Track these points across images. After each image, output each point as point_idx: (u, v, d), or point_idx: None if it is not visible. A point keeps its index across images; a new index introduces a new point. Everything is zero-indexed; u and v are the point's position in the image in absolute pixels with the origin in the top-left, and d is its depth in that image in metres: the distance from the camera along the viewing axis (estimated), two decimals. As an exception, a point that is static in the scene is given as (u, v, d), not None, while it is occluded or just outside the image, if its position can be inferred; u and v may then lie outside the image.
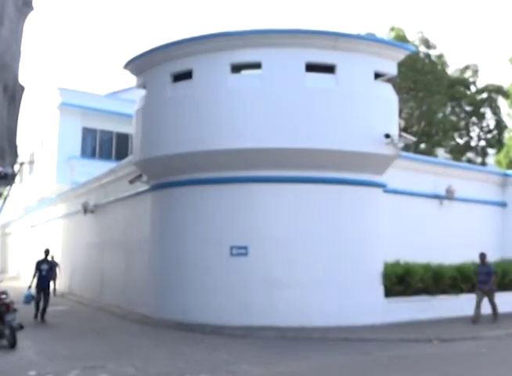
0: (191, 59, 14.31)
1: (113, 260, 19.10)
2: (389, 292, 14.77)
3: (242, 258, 13.70)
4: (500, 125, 37.19)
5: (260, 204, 13.96)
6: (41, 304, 15.27)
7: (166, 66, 14.79)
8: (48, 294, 15.52)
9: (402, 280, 15.08)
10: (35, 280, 15.54)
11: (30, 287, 15.45)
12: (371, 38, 16.50)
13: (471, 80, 37.18)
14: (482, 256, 15.68)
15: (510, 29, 75.61)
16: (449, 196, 17.73)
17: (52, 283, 16.86)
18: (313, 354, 10.71)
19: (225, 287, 13.70)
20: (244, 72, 14.65)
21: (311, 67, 13.82)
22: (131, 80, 15.61)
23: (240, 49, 13.89)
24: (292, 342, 11.85)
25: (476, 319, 14.88)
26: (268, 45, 13.77)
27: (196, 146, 13.87)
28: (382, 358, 10.56)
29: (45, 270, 15.56)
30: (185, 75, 14.45)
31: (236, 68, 14.19)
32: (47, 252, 16.47)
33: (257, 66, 13.95)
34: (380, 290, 14.60)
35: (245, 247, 13.76)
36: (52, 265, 16.76)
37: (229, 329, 12.87)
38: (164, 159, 14.64)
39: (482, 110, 36.61)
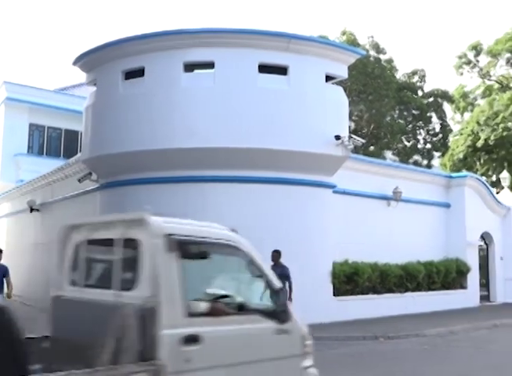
0: (143, 56, 14.15)
1: (61, 260, 18.62)
2: (338, 291, 15.06)
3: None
4: (445, 129, 38.49)
5: (212, 203, 13.95)
6: None
7: (117, 63, 14.57)
8: None
9: (350, 279, 15.41)
10: None
11: None
12: (323, 41, 16.76)
13: (419, 85, 38.32)
14: (275, 254, 11.67)
15: (456, 36, 78.30)
16: (396, 197, 18.22)
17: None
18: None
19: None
20: (197, 71, 14.62)
21: (264, 68, 13.93)
22: (82, 76, 15.31)
23: (193, 48, 13.84)
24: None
25: None
26: (222, 44, 13.79)
27: (148, 145, 13.73)
28: (330, 356, 10.74)
29: None
30: (137, 73, 14.28)
31: (189, 67, 14.13)
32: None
33: (210, 65, 13.94)
34: (329, 289, 14.86)
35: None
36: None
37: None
38: (114, 157, 14.42)
39: (429, 114, 37.78)
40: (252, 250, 4.93)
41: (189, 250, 4.37)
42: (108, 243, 4.73)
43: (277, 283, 4.99)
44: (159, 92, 13.88)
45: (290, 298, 10.89)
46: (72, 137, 29.77)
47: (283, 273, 11.01)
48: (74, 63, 15.58)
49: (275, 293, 4.88)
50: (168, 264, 4.19)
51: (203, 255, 4.50)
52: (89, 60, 15.19)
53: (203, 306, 4.34)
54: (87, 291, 4.88)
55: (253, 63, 13.82)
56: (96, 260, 5.28)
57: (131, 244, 4.46)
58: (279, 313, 4.83)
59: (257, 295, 5.04)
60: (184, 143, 13.49)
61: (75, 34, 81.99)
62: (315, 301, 14.25)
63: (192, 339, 4.13)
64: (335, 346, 11.62)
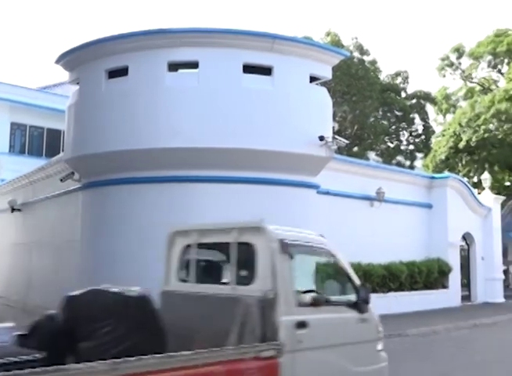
0: (127, 55, 14.06)
1: (42, 260, 18.47)
2: (321, 291, 15.10)
3: (176, 258, 13.59)
4: (428, 130, 38.89)
5: (196, 203, 13.90)
6: None
7: (100, 62, 14.45)
8: None
9: (333, 280, 15.47)
10: None
11: None
12: (307, 42, 16.81)
13: (402, 86, 38.65)
14: None
15: (439, 39, 79.08)
16: (379, 197, 18.35)
17: None
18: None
19: (158, 288, 13.54)
20: (181, 71, 14.56)
21: (248, 68, 13.93)
22: (64, 74, 15.14)
23: (178, 48, 13.78)
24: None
25: None
26: (206, 44, 13.75)
27: (132, 145, 13.64)
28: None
29: None
30: (121, 72, 14.18)
31: (173, 66, 14.07)
32: None
33: (194, 65, 13.90)
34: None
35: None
36: None
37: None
38: (97, 157, 14.31)
39: (412, 115, 38.14)
40: (338, 252, 6.06)
41: (295, 252, 5.30)
42: (220, 246, 5.76)
43: (357, 280, 5.98)
44: (143, 91, 13.80)
45: None
46: (54, 136, 29.45)
47: None
48: (57, 62, 15.43)
49: (356, 289, 5.89)
50: (282, 263, 5.12)
51: (308, 257, 5.75)
52: (72, 59, 15.05)
53: (308, 298, 5.29)
54: (198, 286, 5.76)
55: (237, 63, 13.81)
56: (207, 260, 6.23)
57: (245, 246, 5.36)
58: (359, 305, 5.78)
59: (342, 290, 6.04)
60: (168, 143, 13.44)
61: (58, 32, 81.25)
62: (298, 302, 14.28)
63: (302, 324, 5.05)
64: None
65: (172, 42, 13.78)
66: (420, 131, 38.72)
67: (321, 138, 14.33)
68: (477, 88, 40.33)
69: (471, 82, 40.98)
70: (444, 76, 40.43)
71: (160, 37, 13.82)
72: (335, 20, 78.38)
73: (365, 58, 35.20)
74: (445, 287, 19.94)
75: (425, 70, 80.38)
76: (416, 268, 18.39)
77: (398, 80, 38.50)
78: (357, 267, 16.25)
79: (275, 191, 14.35)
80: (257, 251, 5.23)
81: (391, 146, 38.27)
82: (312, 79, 14.87)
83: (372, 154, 35.82)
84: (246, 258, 5.37)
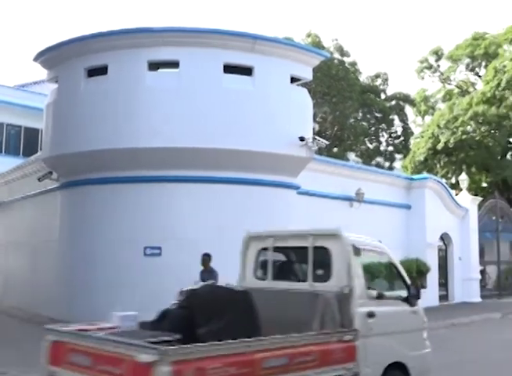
0: (107, 54, 13.94)
1: (19, 261, 18.21)
2: (301, 291, 15.13)
3: (156, 259, 13.52)
4: (407, 132, 39.28)
5: (175, 203, 13.84)
6: None
7: (80, 61, 14.31)
8: None
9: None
10: None
11: None
12: (288, 43, 16.84)
13: (381, 88, 38.99)
14: (205, 258, 11.15)
15: (418, 41, 79.92)
16: (359, 198, 18.46)
17: None
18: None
19: (138, 289, 13.44)
20: (162, 70, 14.48)
21: (229, 68, 13.91)
22: (43, 72, 14.98)
23: (158, 47, 13.70)
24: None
25: None
26: (187, 44, 13.70)
27: (111, 144, 13.53)
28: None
29: None
30: (101, 70, 14.06)
31: (154, 66, 13.99)
32: None
33: (174, 64, 13.84)
34: (292, 289, 14.93)
35: (159, 248, 13.60)
36: None
37: (142, 331, 12.63)
38: (76, 156, 14.15)
39: (391, 116, 38.49)
40: (393, 255, 7.09)
41: (363, 254, 6.38)
42: (296, 249, 6.84)
43: (408, 279, 6.97)
44: (123, 90, 13.70)
45: None
46: (32, 135, 29.00)
47: (211, 279, 10.29)
48: (35, 60, 15.23)
49: (407, 286, 6.89)
50: (355, 263, 6.17)
51: (370, 258, 6.74)
52: (51, 57, 14.87)
53: (373, 293, 6.36)
54: (274, 283, 6.71)
55: (218, 63, 13.78)
56: (283, 261, 7.12)
57: (321, 250, 6.37)
58: (410, 300, 6.84)
59: (395, 287, 7.11)
60: (148, 143, 13.35)
61: (36, 29, 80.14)
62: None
63: (371, 314, 6.12)
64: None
65: (153, 41, 13.70)
66: (399, 133, 39.09)
67: (301, 138, 14.37)
68: (456, 90, 40.87)
69: (450, 84, 41.51)
70: (423, 78, 40.90)
71: (140, 37, 13.73)
72: (316, 22, 78.73)
73: (346, 59, 35.41)
74: (423, 286, 20.09)
75: (404, 72, 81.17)
76: (394, 268, 18.56)
77: (378, 81, 38.82)
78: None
79: (255, 191, 14.36)
80: (333, 254, 6.27)
81: (371, 147, 38.56)
82: (293, 80, 14.91)
83: (352, 155, 36.05)
84: (322, 259, 6.38)
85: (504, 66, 34.83)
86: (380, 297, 6.40)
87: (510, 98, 35.15)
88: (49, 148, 15.05)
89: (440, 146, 34.66)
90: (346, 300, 5.96)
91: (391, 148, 39.21)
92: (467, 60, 39.53)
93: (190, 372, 4.25)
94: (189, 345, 4.43)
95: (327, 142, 18.50)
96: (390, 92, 39.11)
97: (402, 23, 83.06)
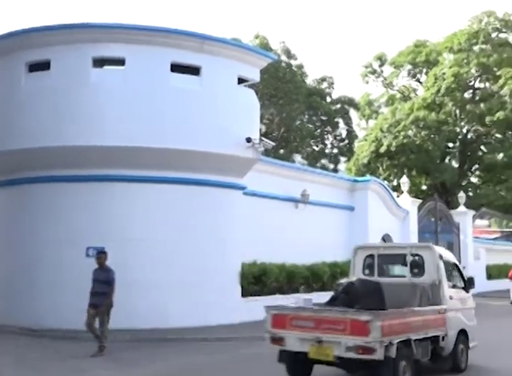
0: (49, 49, 13.53)
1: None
2: (246, 292, 15.19)
3: (99, 259, 13.21)
4: (351, 135, 40.16)
5: (119, 204, 13.61)
6: None
7: (21, 55, 13.83)
8: None
9: (258, 280, 15.60)
10: None
11: None
12: (237, 44, 16.86)
13: (327, 91, 39.70)
14: (102, 256, 10.78)
15: (363, 47, 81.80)
16: (304, 199, 18.69)
17: None
18: (171, 355, 10.68)
19: (79, 290, 13.09)
20: (107, 67, 14.21)
21: (177, 68, 13.80)
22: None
23: (103, 43, 13.43)
24: (149, 345, 11.70)
25: (101, 350, 10.44)
26: (133, 41, 13.49)
27: (53, 142, 13.15)
28: (238, 356, 10.85)
29: None
30: (43, 65, 13.64)
31: (99, 62, 13.71)
32: None
33: (120, 62, 13.61)
34: (238, 290, 14.96)
35: (102, 248, 13.32)
36: None
37: (84, 334, 12.33)
38: (15, 154, 13.68)
39: (336, 119, 39.25)
40: (456, 260, 10.61)
41: (443, 259, 9.65)
42: (397, 256, 9.92)
43: (465, 273, 10.59)
44: (66, 86, 13.33)
45: (110, 304, 10.47)
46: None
47: (108, 280, 10.49)
48: (-28, 52, 14.61)
49: (463, 279, 10.16)
50: (441, 265, 9.42)
51: (446, 261, 9.76)
52: (-11, 50, 14.30)
53: (450, 284, 9.61)
54: (379, 279, 9.34)
55: (165, 62, 13.64)
56: (386, 264, 10.14)
57: (416, 256, 9.63)
58: (467, 288, 10.14)
59: (458, 279, 10.15)
60: (91, 141, 13.05)
61: (-26, 21, 76.84)
62: (224, 303, 14.30)
63: (451, 297, 9.36)
64: (242, 347, 11.72)
65: (98, 37, 13.42)
66: (343, 136, 39.90)
67: (248, 139, 14.43)
68: (398, 95, 42.11)
69: (392, 90, 42.73)
70: (367, 82, 41.95)
71: (85, 32, 13.44)
72: (263, 24, 79.23)
73: (293, 62, 35.84)
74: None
75: (349, 77, 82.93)
76: (338, 269, 18.85)
77: (324, 85, 39.50)
78: (281, 268, 16.49)
79: (202, 191, 14.31)
80: (426, 259, 9.50)
81: (316, 149, 39.18)
82: (240, 81, 14.96)
83: (297, 157, 36.47)
84: (418, 263, 9.60)
85: (444, 74, 36.21)
86: (453, 286, 9.71)
87: (448, 104, 36.60)
88: (-13, 145, 14.47)
89: (383, 150, 35.61)
90: (436, 288, 9.17)
91: (335, 150, 39.97)
92: (409, 67, 40.82)
93: (387, 326, 7.31)
94: (386, 311, 7.72)
95: (274, 144, 18.67)
96: (335, 95, 39.92)
97: (348, 28, 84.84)
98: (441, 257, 9.49)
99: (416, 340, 7.99)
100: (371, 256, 9.94)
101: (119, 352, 10.87)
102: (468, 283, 10.13)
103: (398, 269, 10.16)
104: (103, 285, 10.51)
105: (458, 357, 9.35)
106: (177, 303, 13.57)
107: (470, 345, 9.79)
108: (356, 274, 9.78)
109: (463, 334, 9.51)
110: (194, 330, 13.03)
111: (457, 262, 10.32)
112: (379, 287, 8.37)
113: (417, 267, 9.56)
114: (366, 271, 9.90)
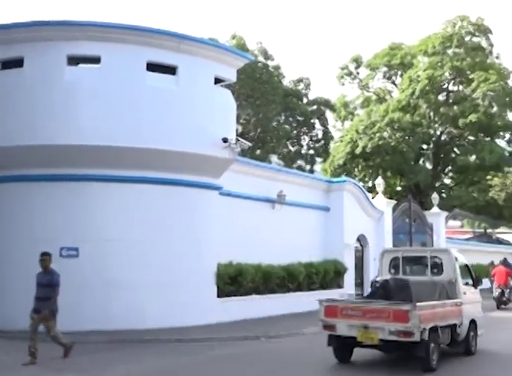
0: (23, 46, 13.31)
1: None
2: (222, 292, 15.16)
3: (72, 260, 13.06)
4: (327, 136, 40.35)
5: (93, 203, 13.46)
6: None
7: (-7, 51, 13.58)
8: None
9: (234, 281, 15.58)
10: None
11: None
12: (213, 44, 16.81)
13: (304, 92, 39.81)
14: (46, 258, 10.09)
15: (340, 48, 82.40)
16: (280, 200, 18.72)
17: None
18: (145, 357, 10.60)
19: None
20: (82, 65, 14.04)
21: (153, 67, 13.70)
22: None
23: (78, 41, 13.25)
24: (124, 346, 11.59)
25: (67, 352, 10.08)
26: (109, 39, 13.36)
27: (26, 140, 12.93)
28: (212, 357, 10.82)
29: None
30: (16, 63, 13.40)
31: (73, 60, 13.53)
32: None
33: (95, 60, 13.45)
34: (213, 290, 14.93)
35: (76, 249, 13.17)
36: None
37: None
38: (-13, 152, 13.41)
39: (312, 120, 39.39)
40: (467, 260, 12.35)
41: (458, 261, 11.46)
42: (419, 258, 12.09)
43: (473, 272, 12.18)
44: (40, 84, 13.12)
45: (55, 309, 9.85)
46: None
47: (51, 283, 9.82)
48: None
49: (472, 277, 11.90)
50: (456, 266, 11.21)
51: (459, 263, 11.57)
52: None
53: (464, 281, 11.34)
54: (404, 277, 11.14)
55: (141, 61, 13.53)
56: (410, 264, 12.04)
57: (435, 258, 11.59)
58: (475, 285, 11.91)
59: (467, 277, 11.81)
60: (66, 140, 12.88)
61: None
62: (199, 303, 14.26)
63: (465, 293, 11.08)
64: (217, 347, 11.70)
65: (72, 35, 13.25)
66: (319, 137, 40.06)
67: (224, 140, 14.40)
68: (374, 97, 42.50)
69: (368, 91, 43.11)
70: (343, 84, 42.24)
71: (59, 29, 13.26)
72: (240, 24, 79.25)
73: (270, 63, 35.88)
74: (340, 286, 20.73)
75: (326, 78, 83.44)
76: (313, 269, 18.94)
77: (301, 86, 39.60)
78: (257, 268, 16.49)
79: (177, 192, 14.24)
80: (444, 260, 11.38)
81: (293, 150, 39.27)
82: (217, 81, 14.93)
83: (274, 157, 36.52)
84: (437, 264, 11.50)
85: (418, 76, 36.69)
86: (466, 284, 11.48)
87: (423, 106, 37.10)
88: (-43, 143, 14.15)
89: (358, 151, 35.91)
90: (453, 285, 10.94)
91: (311, 151, 40.10)
92: (384, 69, 41.23)
93: (422, 314, 9.01)
94: (421, 303, 9.26)
95: (250, 144, 18.66)
96: (312, 96, 40.03)
97: (325, 30, 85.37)
98: (456, 259, 11.34)
99: (441, 327, 9.73)
100: (396, 258, 11.82)
101: (94, 353, 10.75)
102: (476, 281, 11.92)
103: (419, 269, 11.94)
104: (46, 289, 9.81)
105: (470, 342, 11.16)
106: (154, 304, 13.48)
107: (479, 332, 11.58)
108: (384, 273, 11.66)
109: (473, 323, 11.27)
110: (170, 330, 12.96)
111: (468, 264, 12.08)
112: (408, 284, 10.20)
113: (436, 267, 11.45)
114: (392, 270, 11.73)
